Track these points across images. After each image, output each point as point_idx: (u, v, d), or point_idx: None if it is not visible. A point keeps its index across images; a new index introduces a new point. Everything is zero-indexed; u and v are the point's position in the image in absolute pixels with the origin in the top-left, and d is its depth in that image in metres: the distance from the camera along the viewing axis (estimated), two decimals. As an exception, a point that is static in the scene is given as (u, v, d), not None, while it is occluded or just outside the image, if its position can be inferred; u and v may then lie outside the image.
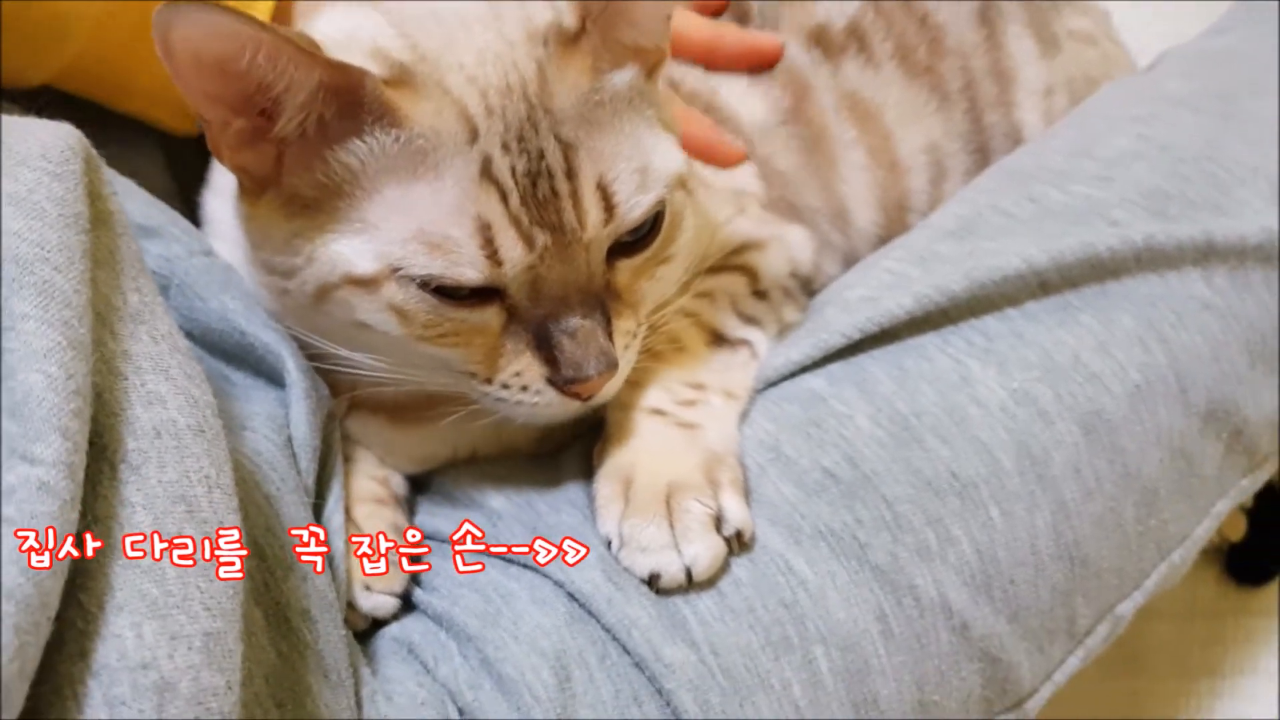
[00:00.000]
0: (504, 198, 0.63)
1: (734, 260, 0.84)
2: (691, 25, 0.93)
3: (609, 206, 0.65)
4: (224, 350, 0.72)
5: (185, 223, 0.76)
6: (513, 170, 0.63)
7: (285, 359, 0.71)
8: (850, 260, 0.95)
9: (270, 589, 0.63)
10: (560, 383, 0.67)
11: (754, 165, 0.92)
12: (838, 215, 0.95)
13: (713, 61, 0.93)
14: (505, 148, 0.63)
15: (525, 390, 0.68)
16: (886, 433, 0.75)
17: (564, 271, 0.65)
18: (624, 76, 0.68)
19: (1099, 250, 0.81)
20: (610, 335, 0.67)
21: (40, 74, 0.81)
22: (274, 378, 0.72)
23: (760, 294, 0.84)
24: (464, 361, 0.68)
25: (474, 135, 0.63)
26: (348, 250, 0.64)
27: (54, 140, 0.56)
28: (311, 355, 0.72)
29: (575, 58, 0.66)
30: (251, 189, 0.67)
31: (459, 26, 0.66)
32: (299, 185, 0.65)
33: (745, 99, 0.94)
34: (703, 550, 0.68)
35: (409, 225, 0.63)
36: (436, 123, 0.63)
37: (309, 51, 0.60)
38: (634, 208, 0.66)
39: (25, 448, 0.47)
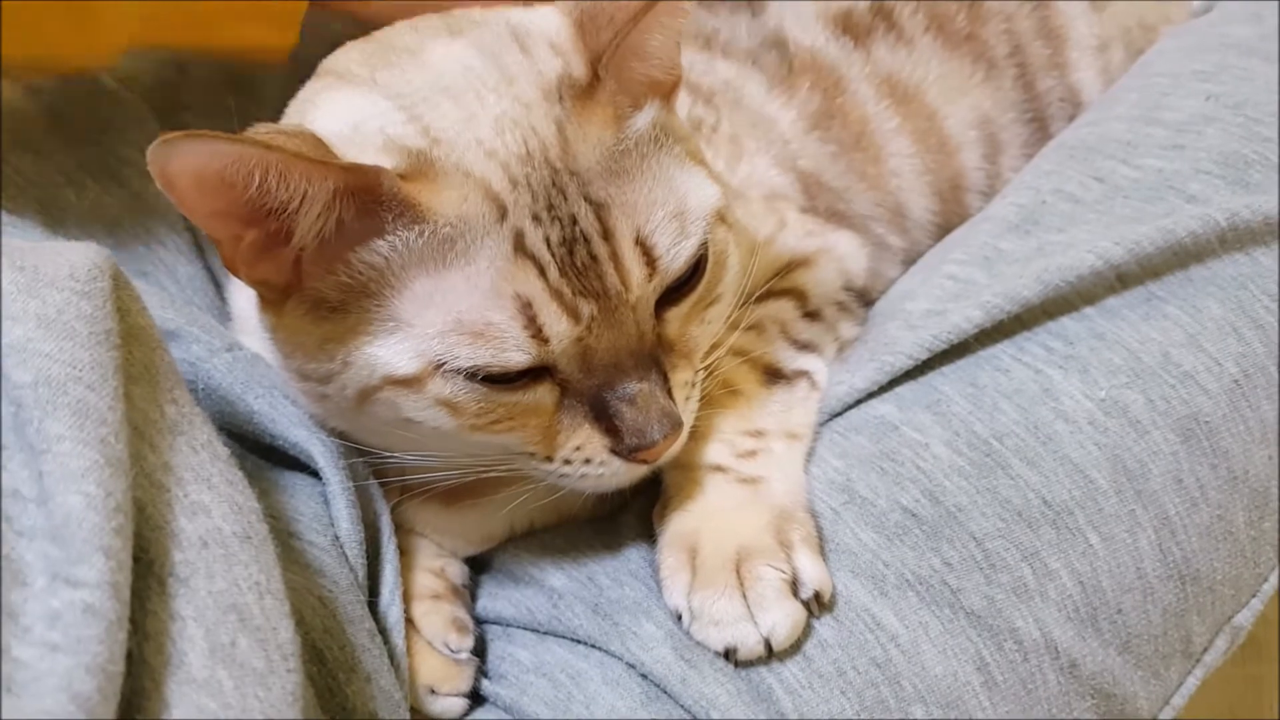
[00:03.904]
0: (542, 271, 0.61)
1: (781, 283, 0.80)
2: None
3: (650, 260, 0.63)
4: (259, 448, 0.71)
5: (205, 319, 0.75)
6: (547, 241, 0.61)
7: (316, 457, 0.69)
8: (911, 259, 0.90)
9: (334, 693, 0.63)
10: (624, 452, 0.64)
11: (784, 169, 0.87)
12: (894, 214, 0.91)
13: None
14: (536, 219, 0.61)
15: (588, 463, 0.66)
16: (967, 460, 0.72)
17: (613, 337, 0.63)
18: (646, 117, 0.65)
19: (1179, 235, 0.76)
20: (670, 392, 0.65)
21: (124, 28, 0.80)
22: (313, 470, 0.71)
23: (812, 315, 0.80)
24: (522, 444, 0.65)
25: (502, 212, 0.61)
26: (384, 352, 0.62)
27: (81, 260, 0.56)
28: (361, 450, 0.70)
29: (594, 110, 0.63)
30: (273, 299, 0.65)
31: (471, 98, 0.63)
32: (323, 289, 0.63)
33: (767, 103, 0.89)
34: (780, 618, 0.65)
35: (446, 317, 0.60)
36: (462, 210, 0.60)
37: (321, 161, 0.58)
38: (676, 257, 0.63)
39: (68, 571, 0.47)
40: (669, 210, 0.63)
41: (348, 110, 0.64)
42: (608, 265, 0.62)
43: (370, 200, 0.60)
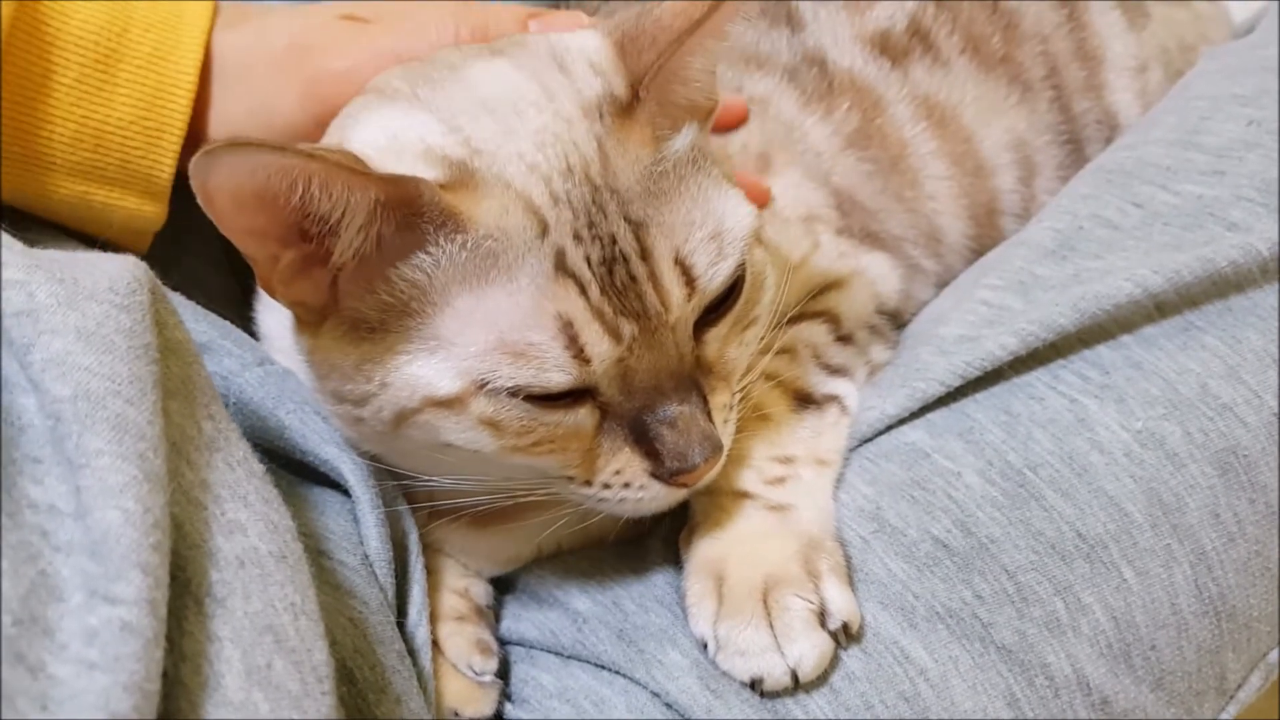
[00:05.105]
0: (583, 290, 0.61)
1: (813, 306, 0.80)
2: None
3: (689, 280, 0.63)
4: (289, 464, 0.71)
5: (237, 333, 0.75)
6: (588, 260, 0.61)
7: (346, 474, 0.69)
8: (944, 282, 0.89)
9: (364, 715, 0.63)
10: (665, 476, 0.64)
11: (817, 184, 0.87)
12: (928, 237, 0.90)
13: None
14: (577, 237, 0.61)
15: (628, 487, 0.65)
16: (1000, 490, 0.71)
17: (654, 359, 0.63)
18: (684, 139, 0.65)
19: (1219, 265, 0.76)
20: (709, 415, 0.65)
21: None
22: (342, 487, 0.71)
23: (845, 338, 0.80)
24: (561, 467, 0.65)
25: (544, 229, 0.61)
26: (426, 372, 0.62)
27: (120, 272, 0.57)
28: (394, 473, 0.70)
29: (634, 129, 0.64)
30: (310, 320, 0.66)
31: (511, 113, 0.64)
32: (361, 308, 0.63)
33: (802, 119, 0.88)
34: (807, 650, 0.65)
35: (488, 335, 0.60)
36: (503, 221, 0.61)
37: (362, 171, 0.58)
38: (714, 277, 0.63)
39: (106, 588, 0.47)
40: (707, 231, 0.63)
41: (388, 123, 0.65)
42: (647, 285, 0.62)
43: (411, 213, 0.60)
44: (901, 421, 0.75)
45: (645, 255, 0.62)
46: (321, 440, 0.69)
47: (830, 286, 0.82)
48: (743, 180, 0.80)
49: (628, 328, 0.61)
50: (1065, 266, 0.79)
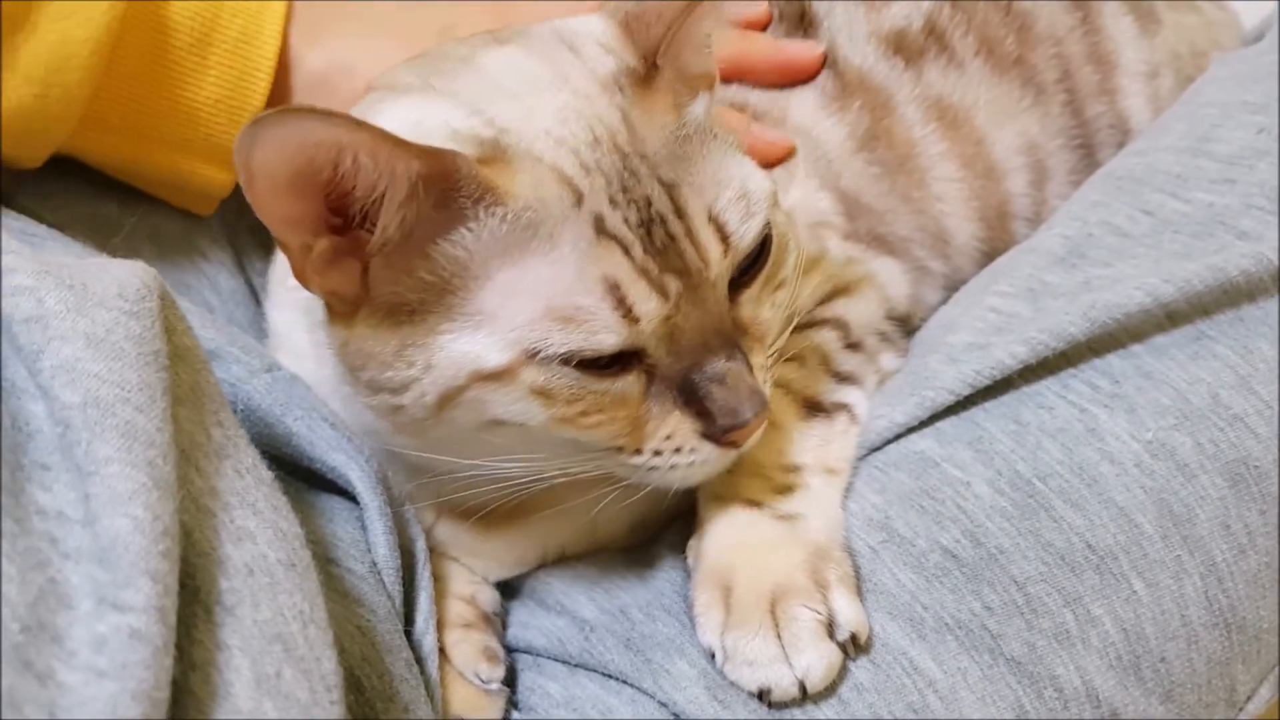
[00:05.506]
0: (626, 251, 0.61)
1: (822, 313, 0.80)
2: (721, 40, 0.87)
3: (723, 237, 0.64)
4: (297, 471, 0.71)
5: (245, 339, 0.75)
6: (626, 223, 0.62)
7: (354, 481, 0.69)
8: (954, 285, 0.89)
9: None
10: (718, 434, 0.64)
11: (827, 190, 0.86)
12: (936, 239, 0.90)
13: (739, 77, 0.89)
14: (613, 202, 0.62)
15: (679, 452, 0.65)
16: (1009, 501, 0.71)
17: (699, 316, 0.63)
18: (700, 106, 0.67)
19: (1230, 273, 0.76)
20: (752, 373, 0.65)
21: (49, 138, 0.78)
22: (350, 494, 0.71)
23: (854, 345, 0.80)
24: (611, 438, 0.65)
25: (579, 197, 0.61)
26: (473, 347, 0.62)
27: (130, 278, 0.57)
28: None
29: (656, 98, 0.65)
30: (344, 311, 0.65)
31: (530, 94, 0.65)
32: (401, 291, 0.63)
33: (819, 120, 0.88)
34: (815, 660, 0.65)
35: (535, 304, 0.61)
36: (540, 192, 0.61)
37: (404, 143, 0.58)
38: (746, 234, 0.64)
39: (115, 595, 0.47)
40: (734, 191, 0.64)
41: (407, 113, 0.65)
42: (686, 243, 0.62)
43: (448, 188, 0.60)
44: (911, 430, 0.75)
45: (680, 214, 0.62)
46: (329, 447, 0.69)
47: (838, 293, 0.81)
48: (760, 135, 0.84)
49: (673, 284, 0.62)
50: (1075, 274, 0.79)
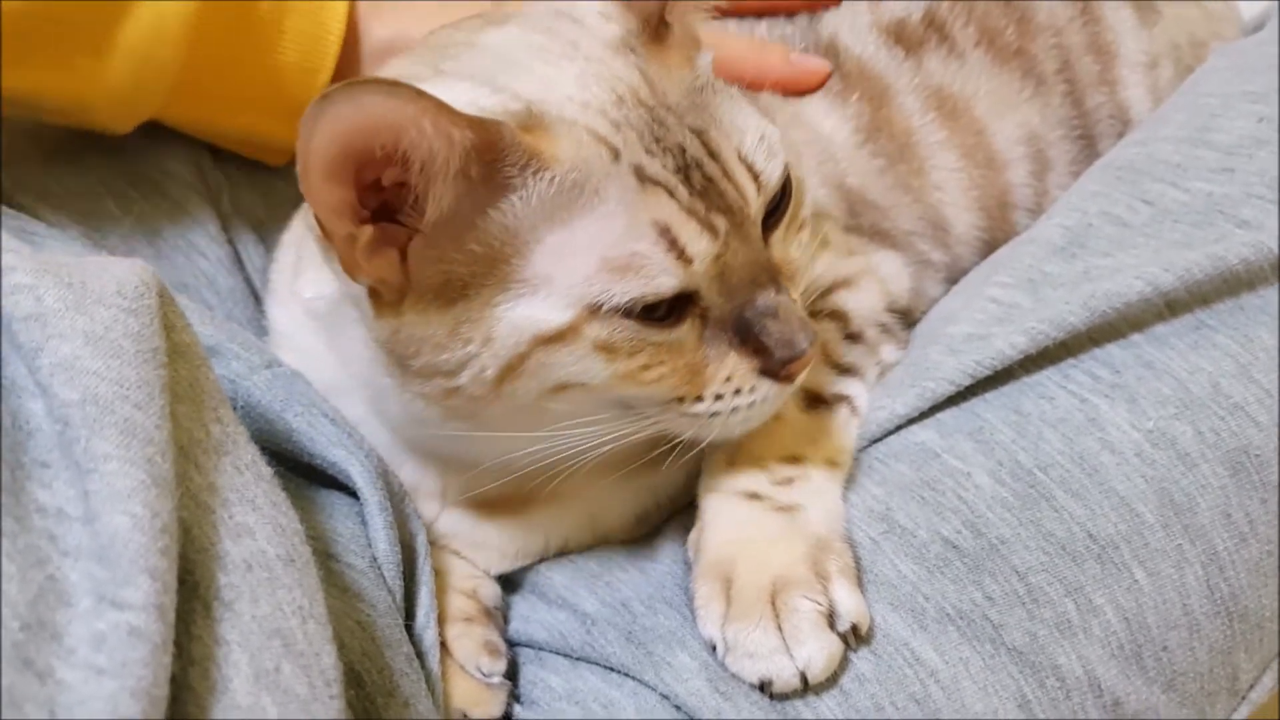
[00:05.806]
0: (671, 194, 0.63)
1: (823, 304, 0.80)
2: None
3: (754, 176, 0.65)
4: (298, 467, 0.72)
5: (245, 336, 0.75)
6: (665, 169, 0.63)
7: (354, 476, 0.69)
8: (955, 275, 0.89)
9: (372, 717, 0.63)
10: (776, 367, 0.65)
11: (828, 186, 0.87)
12: (936, 229, 0.90)
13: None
14: (649, 152, 0.63)
15: (739, 393, 0.66)
16: (1010, 491, 0.71)
17: (747, 252, 0.65)
18: (706, 60, 0.69)
19: (1230, 262, 0.76)
20: None
21: (143, 105, 0.82)
22: (350, 489, 0.71)
23: (854, 337, 0.80)
24: (671, 390, 0.66)
25: (615, 153, 0.63)
26: (532, 311, 0.62)
27: (128, 276, 0.57)
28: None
29: (669, 53, 0.67)
30: (391, 299, 0.65)
31: (542, 64, 0.66)
32: (449, 269, 0.63)
33: (826, 116, 0.89)
34: (816, 652, 0.65)
35: (590, 260, 0.62)
36: (580, 153, 0.62)
37: (457, 112, 0.59)
38: (772, 173, 0.66)
39: (114, 593, 0.47)
40: (755, 134, 0.66)
41: None
42: (725, 183, 0.64)
43: (494, 158, 0.61)
44: (911, 421, 0.75)
45: (715, 156, 0.64)
46: (329, 442, 0.70)
47: (840, 285, 0.81)
48: (801, 64, 0.89)
49: (721, 222, 0.63)
50: (1075, 264, 0.79)
